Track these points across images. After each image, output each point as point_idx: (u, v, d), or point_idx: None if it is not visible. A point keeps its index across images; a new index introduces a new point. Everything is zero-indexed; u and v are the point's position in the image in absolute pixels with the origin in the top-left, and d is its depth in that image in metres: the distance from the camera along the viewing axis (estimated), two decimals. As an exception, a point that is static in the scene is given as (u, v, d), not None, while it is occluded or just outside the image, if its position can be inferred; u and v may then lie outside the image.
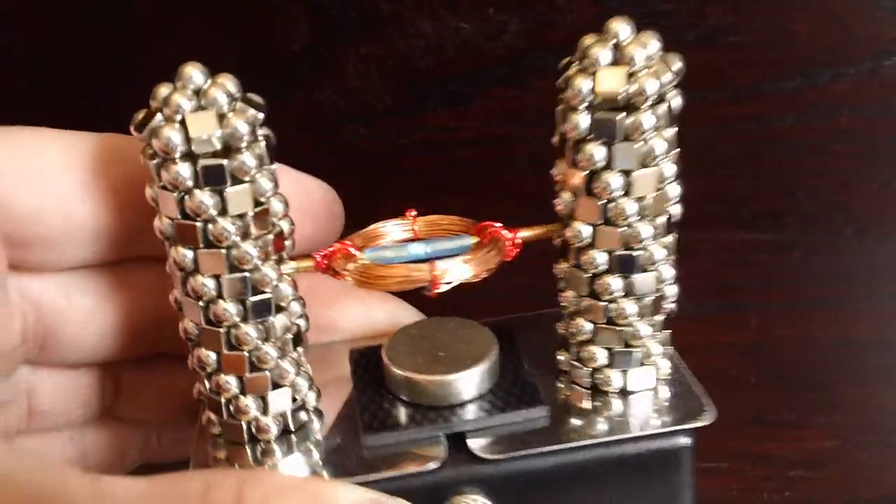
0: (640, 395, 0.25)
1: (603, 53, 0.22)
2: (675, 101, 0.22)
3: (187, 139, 0.20)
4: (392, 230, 0.26)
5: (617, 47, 0.22)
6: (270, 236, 0.22)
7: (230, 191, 0.21)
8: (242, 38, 0.40)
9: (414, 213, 0.26)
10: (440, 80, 0.41)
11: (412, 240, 0.25)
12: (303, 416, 0.25)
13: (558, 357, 0.26)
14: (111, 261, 0.25)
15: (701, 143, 0.43)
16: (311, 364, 0.25)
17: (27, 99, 0.42)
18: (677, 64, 0.22)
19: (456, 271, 0.23)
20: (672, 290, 0.25)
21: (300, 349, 0.24)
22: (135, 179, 0.23)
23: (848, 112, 0.41)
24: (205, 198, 0.21)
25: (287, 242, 0.23)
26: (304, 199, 0.27)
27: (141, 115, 0.21)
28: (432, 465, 0.23)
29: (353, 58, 0.40)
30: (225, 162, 0.20)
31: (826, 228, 0.45)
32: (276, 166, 0.23)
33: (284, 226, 0.23)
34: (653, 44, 0.22)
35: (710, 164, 0.43)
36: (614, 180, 0.22)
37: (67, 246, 0.24)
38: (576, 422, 0.24)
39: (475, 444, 0.23)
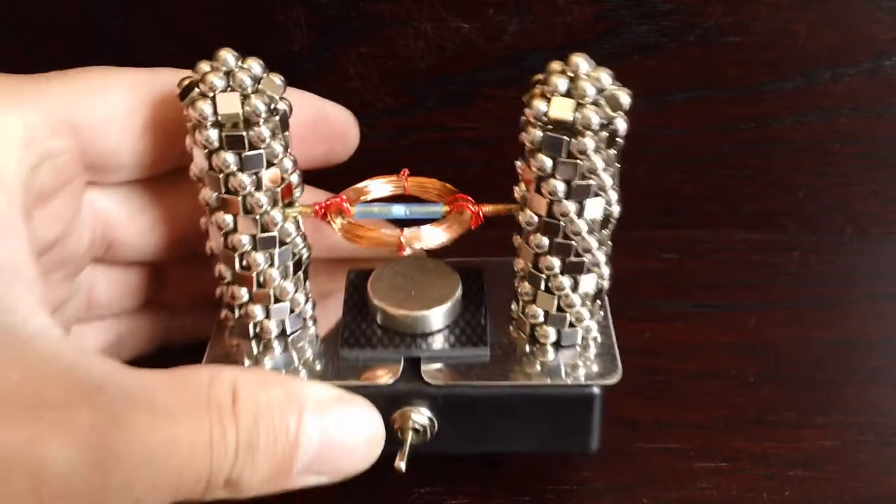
0: (569, 349, 0.30)
1: (560, 82, 0.26)
2: (620, 127, 0.26)
3: (216, 113, 0.26)
4: (384, 187, 0.30)
5: (574, 79, 0.26)
6: (279, 188, 0.27)
7: (248, 154, 0.26)
8: (242, 38, 0.40)
9: (407, 172, 0.30)
10: (440, 80, 0.41)
11: (398, 199, 0.30)
12: (299, 323, 0.30)
13: (512, 307, 0.31)
14: (166, 172, 0.31)
15: (701, 143, 0.43)
16: (324, 275, 0.32)
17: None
18: (625, 99, 0.26)
19: (424, 237, 0.28)
20: (605, 271, 0.29)
21: (301, 273, 0.30)
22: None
23: (848, 112, 0.41)
24: (227, 157, 0.26)
25: (296, 191, 0.28)
26: (323, 123, 0.32)
27: (185, 82, 0.26)
28: (390, 381, 0.29)
29: (353, 58, 0.40)
30: (245, 133, 0.26)
31: (826, 228, 0.45)
32: (301, 94, 0.30)
33: (293, 179, 0.28)
34: (605, 79, 0.26)
35: (710, 164, 0.43)
36: (559, 186, 0.26)
37: (133, 169, 0.30)
38: (512, 363, 0.29)
39: (426, 369, 0.29)
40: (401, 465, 0.28)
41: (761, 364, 0.38)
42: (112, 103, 0.28)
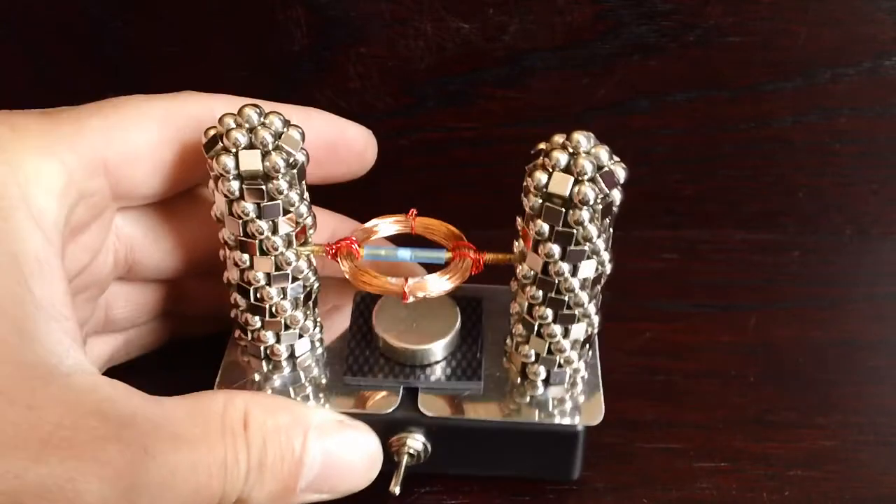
0: (557, 387, 0.31)
1: (561, 158, 0.27)
2: (616, 199, 0.28)
3: (238, 167, 0.27)
4: (391, 227, 0.31)
5: (574, 155, 0.27)
6: (294, 231, 0.29)
7: (266, 204, 0.28)
8: (243, 38, 0.40)
9: (415, 212, 0.31)
10: (440, 80, 0.41)
11: (405, 239, 0.31)
12: (307, 346, 0.32)
13: (506, 342, 0.32)
14: (186, 190, 0.32)
15: (701, 143, 0.43)
16: (333, 291, 0.34)
17: (27, 96, 0.42)
18: (621, 175, 0.27)
19: (428, 286, 0.30)
20: (595, 320, 0.31)
21: (310, 302, 0.32)
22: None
23: (848, 112, 0.41)
24: (247, 206, 0.28)
25: (309, 231, 0.30)
26: (343, 144, 0.33)
27: (211, 133, 0.28)
28: (389, 410, 0.30)
29: (353, 58, 0.40)
30: (264, 186, 0.28)
31: (826, 228, 0.45)
32: (321, 115, 0.32)
33: (308, 221, 0.30)
34: (603, 156, 0.27)
35: (710, 164, 0.43)
36: (555, 249, 0.28)
37: (158, 195, 0.31)
38: (504, 396, 0.31)
39: (423, 399, 0.31)
40: (395, 489, 0.30)
41: (761, 364, 0.38)
42: (143, 139, 0.29)
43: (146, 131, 0.29)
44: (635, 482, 0.33)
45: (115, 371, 0.35)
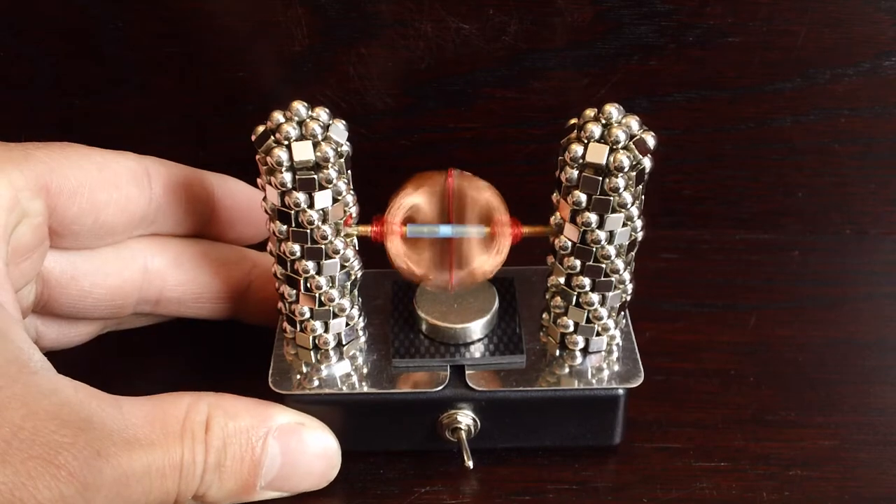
0: (595, 355, 0.33)
1: (595, 129, 0.28)
2: (647, 166, 0.29)
3: (291, 159, 0.28)
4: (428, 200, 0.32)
5: (607, 126, 0.28)
6: (341, 220, 0.30)
7: (317, 193, 0.29)
8: (243, 38, 0.40)
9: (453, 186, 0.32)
10: (440, 80, 0.41)
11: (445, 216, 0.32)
12: (353, 334, 0.33)
13: (543, 315, 0.33)
14: (109, 242, 0.34)
15: (701, 143, 0.43)
16: (368, 282, 0.35)
17: (27, 96, 0.42)
18: (652, 143, 0.28)
19: (476, 265, 0.31)
20: (629, 287, 0.32)
21: (355, 291, 0.33)
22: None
23: (847, 112, 0.41)
24: (299, 196, 0.29)
25: (353, 219, 0.31)
26: (255, 208, 0.34)
27: (260, 130, 0.29)
28: (438, 388, 0.32)
29: (353, 58, 0.40)
30: (315, 175, 0.29)
31: (825, 228, 0.45)
32: (237, 183, 0.35)
33: (353, 210, 0.31)
34: (634, 125, 0.28)
35: (710, 164, 0.43)
36: (592, 218, 0.29)
37: (87, 235, 0.33)
38: (545, 368, 0.33)
39: (470, 376, 0.32)
40: (469, 463, 0.31)
41: (761, 364, 0.38)
42: (82, 177, 0.31)
43: (85, 171, 0.31)
44: (635, 482, 0.33)
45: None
